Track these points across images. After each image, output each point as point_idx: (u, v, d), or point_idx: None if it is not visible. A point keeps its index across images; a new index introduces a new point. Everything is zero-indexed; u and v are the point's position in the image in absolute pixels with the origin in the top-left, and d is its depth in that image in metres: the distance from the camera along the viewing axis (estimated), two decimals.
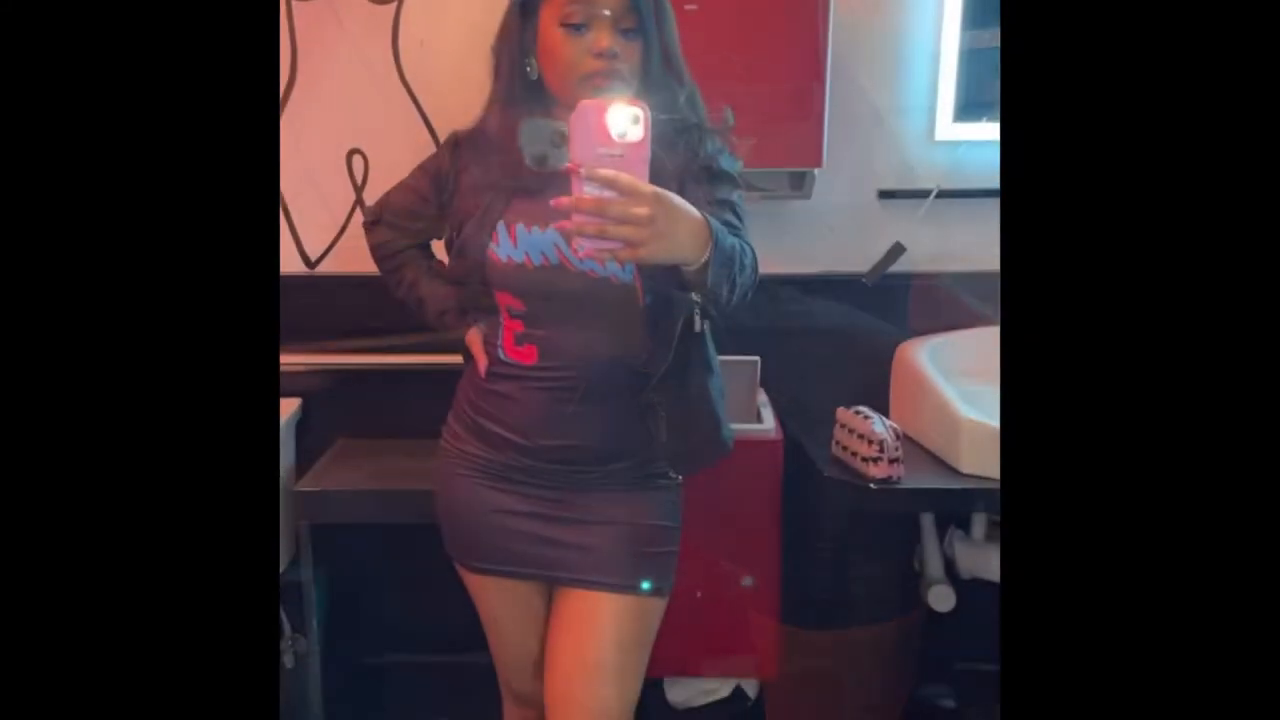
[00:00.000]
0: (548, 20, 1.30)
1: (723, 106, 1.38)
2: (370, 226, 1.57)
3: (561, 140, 1.19)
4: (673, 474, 1.43)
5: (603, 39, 1.28)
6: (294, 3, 2.09)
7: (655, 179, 1.08)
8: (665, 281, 1.22)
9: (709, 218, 1.13)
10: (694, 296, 1.25)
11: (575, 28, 1.28)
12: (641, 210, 1.05)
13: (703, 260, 1.12)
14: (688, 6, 1.92)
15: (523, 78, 1.34)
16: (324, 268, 2.20)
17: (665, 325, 1.31)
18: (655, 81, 1.30)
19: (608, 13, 1.27)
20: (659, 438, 1.36)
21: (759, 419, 2.01)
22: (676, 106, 1.32)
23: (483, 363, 1.42)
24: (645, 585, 1.39)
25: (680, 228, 1.09)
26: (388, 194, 1.54)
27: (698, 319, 1.29)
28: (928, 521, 2.13)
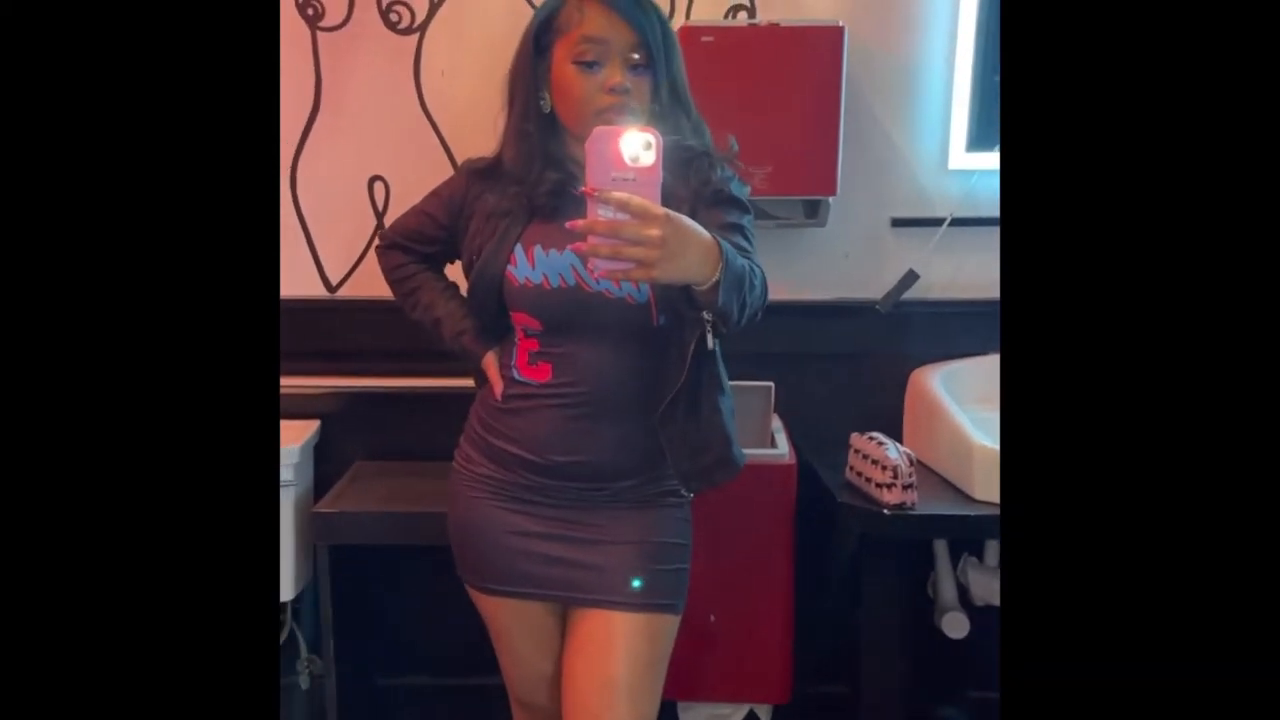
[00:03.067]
0: (561, 57, 1.34)
1: (727, 135, 1.41)
2: (383, 250, 1.60)
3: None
4: (684, 491, 1.44)
5: (615, 76, 1.31)
6: (319, 33, 2.14)
7: (667, 203, 1.11)
8: (678, 301, 1.25)
9: (719, 239, 1.16)
10: (705, 315, 1.27)
11: (588, 65, 1.32)
12: (653, 232, 1.07)
13: (713, 280, 1.14)
14: (704, 38, 1.95)
15: (536, 110, 1.38)
16: (345, 292, 2.24)
17: (678, 344, 1.34)
18: (664, 114, 1.34)
19: (619, 51, 1.31)
20: (670, 455, 1.38)
21: (773, 444, 2.02)
22: (684, 136, 1.35)
23: (499, 387, 1.44)
24: (658, 603, 1.40)
25: (691, 249, 1.12)
26: (401, 218, 1.57)
27: (710, 337, 1.32)
28: (941, 548, 2.13)
